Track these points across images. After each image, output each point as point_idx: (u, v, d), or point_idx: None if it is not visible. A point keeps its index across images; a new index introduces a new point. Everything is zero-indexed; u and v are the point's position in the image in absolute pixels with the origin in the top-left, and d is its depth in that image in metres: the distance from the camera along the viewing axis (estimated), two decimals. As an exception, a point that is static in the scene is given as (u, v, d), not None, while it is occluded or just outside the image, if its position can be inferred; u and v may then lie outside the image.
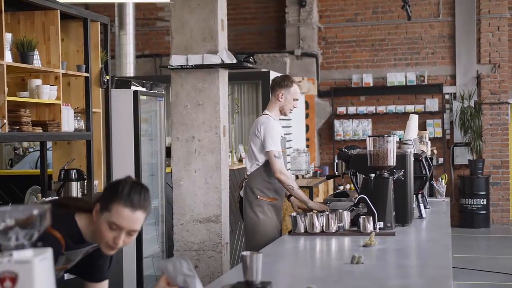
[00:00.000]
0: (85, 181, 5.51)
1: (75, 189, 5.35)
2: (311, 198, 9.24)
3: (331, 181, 11.40)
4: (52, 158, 5.78)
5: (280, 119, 5.34)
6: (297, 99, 5.31)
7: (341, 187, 12.37)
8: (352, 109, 12.83)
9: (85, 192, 5.55)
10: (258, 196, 5.17)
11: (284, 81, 5.27)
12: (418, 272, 3.19)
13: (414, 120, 5.54)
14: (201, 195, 5.74)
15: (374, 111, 12.73)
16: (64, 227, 2.62)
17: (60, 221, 2.59)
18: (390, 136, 4.40)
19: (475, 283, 8.10)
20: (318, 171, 11.27)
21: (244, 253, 2.72)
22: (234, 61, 5.89)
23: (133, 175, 6.23)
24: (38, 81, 5.00)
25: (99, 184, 5.80)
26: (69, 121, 5.22)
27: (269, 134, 5.09)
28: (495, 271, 8.60)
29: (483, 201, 12.17)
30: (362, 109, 12.80)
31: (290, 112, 5.38)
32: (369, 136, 4.45)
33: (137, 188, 2.62)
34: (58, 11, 5.13)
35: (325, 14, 13.13)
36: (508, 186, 12.60)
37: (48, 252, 1.78)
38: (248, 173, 5.28)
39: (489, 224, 12.30)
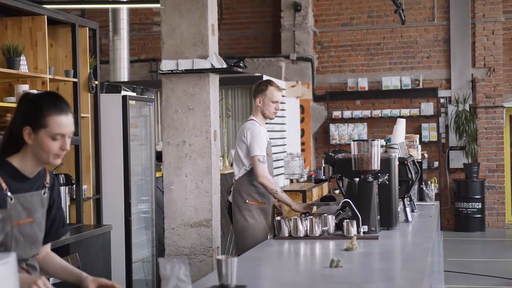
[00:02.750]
0: (74, 186, 5.53)
1: (63, 194, 5.36)
2: (304, 202, 9.25)
3: (325, 185, 11.41)
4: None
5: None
6: (276, 101, 5.38)
7: (337, 191, 12.37)
8: (347, 113, 12.85)
9: (74, 197, 5.56)
10: (247, 201, 5.26)
11: (259, 86, 5.42)
12: (393, 276, 3.20)
13: (401, 124, 5.56)
14: (192, 199, 5.76)
15: (369, 115, 12.75)
16: None
17: None
18: (374, 140, 4.41)
19: (469, 287, 8.10)
20: (313, 175, 11.28)
21: (219, 257, 2.74)
22: (224, 65, 5.91)
23: (122, 179, 6.26)
24: (25, 86, 5.02)
25: (87, 189, 5.82)
26: (56, 126, 5.23)
27: (255, 139, 5.19)
28: (489, 274, 8.61)
29: (478, 205, 12.18)
30: (358, 113, 12.81)
31: (275, 114, 5.44)
32: (353, 140, 4.46)
33: (54, 96, 2.71)
34: (45, 16, 5.16)
35: (321, 19, 13.16)
36: (504, 189, 12.60)
37: (12, 257, 1.80)
38: (236, 178, 5.37)
39: (484, 227, 12.30)
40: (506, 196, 12.69)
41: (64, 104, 2.70)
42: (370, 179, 4.40)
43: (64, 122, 2.67)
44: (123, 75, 10.36)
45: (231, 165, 8.12)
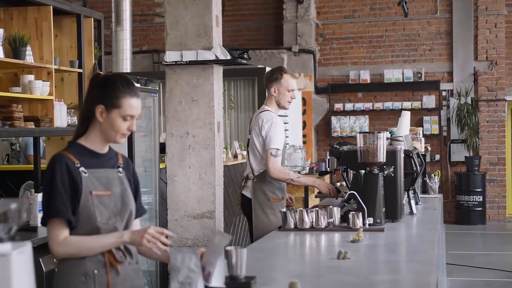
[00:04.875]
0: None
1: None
2: (306, 194, 9.24)
3: (327, 177, 11.42)
4: (46, 153, 5.80)
5: (278, 115, 5.28)
6: (292, 90, 5.18)
7: (338, 184, 12.40)
8: (349, 106, 12.85)
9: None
10: (270, 198, 5.07)
11: (274, 74, 5.19)
12: (401, 267, 3.20)
13: (406, 117, 5.56)
14: (195, 191, 5.75)
15: (371, 108, 12.75)
16: (69, 149, 2.83)
17: (65, 150, 2.84)
18: (380, 132, 4.41)
19: (470, 280, 8.12)
20: (315, 168, 11.29)
21: (229, 248, 2.74)
22: (228, 57, 5.89)
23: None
24: (31, 77, 5.01)
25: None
26: (61, 117, 5.24)
27: (273, 131, 4.99)
28: (490, 267, 8.63)
29: (479, 198, 12.20)
30: (359, 105, 12.82)
31: (289, 104, 5.25)
32: (359, 133, 4.46)
33: (127, 79, 2.88)
34: (51, 6, 5.15)
35: (323, 11, 13.14)
36: (505, 183, 12.62)
37: (27, 246, 1.80)
38: (255, 174, 5.13)
39: (485, 220, 12.32)
40: (507, 189, 12.71)
41: (136, 88, 2.86)
42: (376, 171, 4.40)
43: (136, 105, 2.82)
44: (126, 66, 10.32)
45: (234, 157, 8.12)
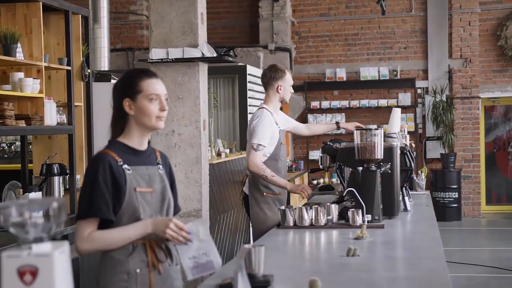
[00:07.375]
0: (68, 175, 5.44)
1: (57, 184, 5.28)
2: (288, 193, 9.21)
3: (305, 175, 11.46)
4: (33, 153, 5.69)
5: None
6: (291, 84, 5.34)
7: (315, 181, 12.44)
8: (325, 104, 12.88)
9: (67, 187, 5.48)
10: (264, 193, 5.11)
11: (278, 73, 5.23)
12: (414, 264, 3.18)
13: (397, 113, 5.58)
14: (181, 190, 5.72)
15: (347, 106, 12.79)
16: (111, 148, 2.83)
17: (106, 148, 2.86)
18: (377, 129, 4.41)
19: (453, 275, 8.17)
20: (293, 166, 11.32)
21: (247, 246, 2.71)
22: (215, 54, 5.88)
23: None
24: (21, 74, 4.92)
25: (81, 179, 5.73)
26: (51, 115, 5.15)
27: (258, 126, 5.04)
28: (468, 263, 8.72)
29: (455, 195, 12.32)
30: (336, 103, 12.85)
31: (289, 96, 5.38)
32: (356, 129, 4.45)
33: (142, 68, 2.97)
34: (40, 3, 5.05)
35: (299, 9, 13.15)
36: (479, 179, 12.76)
37: (66, 245, 1.76)
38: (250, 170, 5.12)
39: (460, 217, 12.45)
40: (481, 185, 12.86)
41: (152, 71, 2.91)
42: (373, 168, 4.41)
43: (155, 84, 2.83)
44: (104, 64, 10.19)
45: (218, 155, 8.08)
